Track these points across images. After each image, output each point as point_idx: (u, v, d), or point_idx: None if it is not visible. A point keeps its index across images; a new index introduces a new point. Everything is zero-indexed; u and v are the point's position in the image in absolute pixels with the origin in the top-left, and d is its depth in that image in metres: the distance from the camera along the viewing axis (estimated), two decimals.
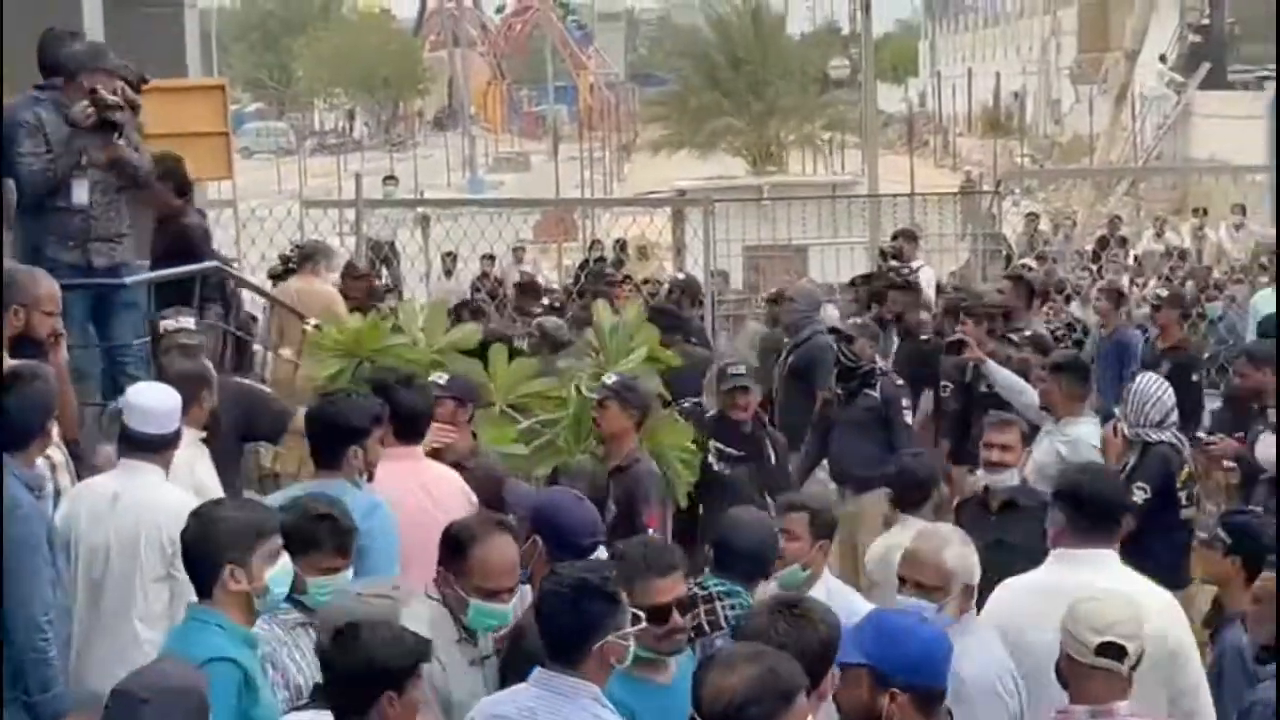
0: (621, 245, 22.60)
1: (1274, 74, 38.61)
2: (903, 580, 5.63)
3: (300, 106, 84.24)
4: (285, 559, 5.19)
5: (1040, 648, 5.38)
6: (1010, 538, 7.62)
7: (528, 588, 5.58)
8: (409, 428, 7.05)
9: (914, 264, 14.96)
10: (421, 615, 5.40)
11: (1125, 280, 18.84)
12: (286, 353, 10.99)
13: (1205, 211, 26.76)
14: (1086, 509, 5.97)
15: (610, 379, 8.42)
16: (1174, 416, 8.82)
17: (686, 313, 13.40)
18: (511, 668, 5.37)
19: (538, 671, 4.89)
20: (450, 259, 22.08)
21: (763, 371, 11.76)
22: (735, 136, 48.43)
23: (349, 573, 5.57)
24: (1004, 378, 10.49)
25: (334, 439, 6.48)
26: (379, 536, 6.20)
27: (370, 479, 6.56)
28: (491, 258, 21.65)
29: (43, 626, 5.68)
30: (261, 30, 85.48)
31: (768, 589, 5.94)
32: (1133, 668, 5.07)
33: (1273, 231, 25.42)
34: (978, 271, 17.24)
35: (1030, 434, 9.15)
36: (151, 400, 6.42)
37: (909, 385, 10.94)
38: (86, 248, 8.81)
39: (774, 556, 6.09)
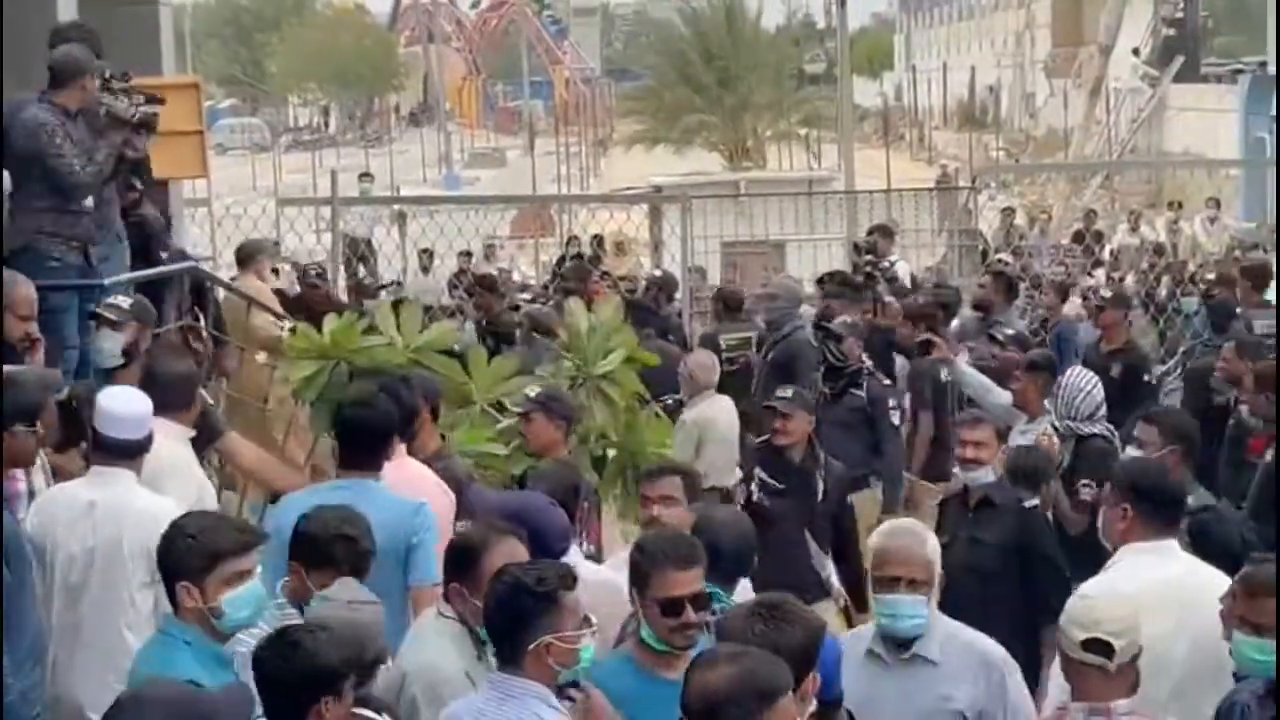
0: (598, 241, 22.56)
1: (1247, 68, 38.76)
2: (891, 580, 5.54)
3: (274, 103, 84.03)
4: (252, 585, 5.08)
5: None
6: (987, 535, 7.67)
7: None
8: (404, 427, 7.09)
9: (890, 259, 14.96)
10: (444, 633, 5.36)
11: (1102, 275, 18.85)
12: (261, 356, 10.94)
13: (1180, 205, 26.82)
14: (1155, 501, 5.86)
15: (533, 391, 8.20)
16: (1103, 410, 9.03)
17: (663, 309, 13.43)
18: None
19: (491, 674, 4.94)
20: (427, 256, 22.04)
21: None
22: (711, 132, 48.44)
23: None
24: (971, 378, 10.48)
25: (368, 441, 6.52)
26: (426, 533, 6.26)
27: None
28: (469, 254, 21.62)
29: None
30: (235, 26, 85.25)
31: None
32: (1126, 664, 5.00)
33: (1246, 225, 25.57)
34: (954, 266, 17.28)
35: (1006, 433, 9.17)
36: (123, 405, 6.36)
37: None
38: (88, 250, 8.75)
39: (754, 555, 6.01)
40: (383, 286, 18.59)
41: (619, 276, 16.60)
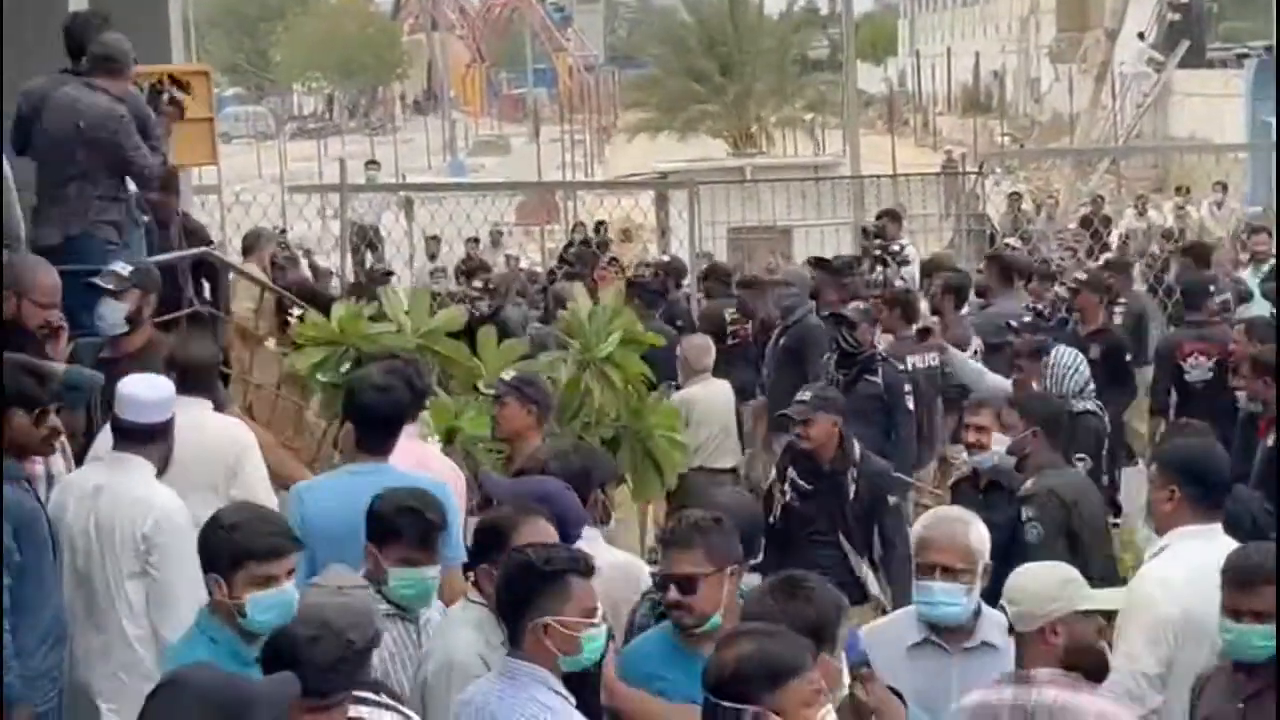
0: (602, 227, 22.60)
1: (1252, 52, 38.70)
2: (929, 567, 5.59)
3: (279, 91, 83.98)
4: (280, 591, 5.03)
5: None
6: (995, 517, 7.65)
7: None
8: (414, 408, 7.16)
9: (900, 243, 14.97)
10: (467, 619, 5.35)
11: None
12: (271, 343, 10.98)
13: (1188, 190, 26.81)
14: (1204, 483, 5.83)
15: (508, 375, 8.01)
16: (1091, 386, 9.30)
17: (672, 294, 13.46)
18: None
19: (504, 657, 4.93)
20: (434, 243, 22.06)
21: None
22: (715, 119, 48.36)
23: (434, 569, 5.55)
24: (963, 364, 10.48)
25: (384, 425, 6.56)
26: (452, 514, 6.24)
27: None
28: (476, 241, 21.64)
29: None
30: (239, 15, 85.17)
31: None
32: (1040, 634, 5.04)
33: (1253, 209, 25.54)
34: (961, 251, 17.27)
35: None
36: (141, 390, 6.35)
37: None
38: (122, 233, 8.80)
39: (759, 539, 6.00)
40: (388, 273, 18.59)
41: (637, 264, 16.55)
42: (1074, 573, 5.25)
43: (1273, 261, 14.49)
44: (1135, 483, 10.03)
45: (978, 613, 5.64)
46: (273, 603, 5.00)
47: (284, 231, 13.28)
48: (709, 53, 48.85)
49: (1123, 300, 13.02)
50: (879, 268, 13.60)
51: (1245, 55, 39.53)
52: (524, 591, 4.82)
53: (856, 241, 17.15)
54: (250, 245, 12.77)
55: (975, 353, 11.20)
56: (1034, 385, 9.58)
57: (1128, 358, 11.48)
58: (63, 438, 6.41)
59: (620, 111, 62.16)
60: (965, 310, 12.12)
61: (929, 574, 5.57)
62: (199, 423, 6.88)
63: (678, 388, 11.09)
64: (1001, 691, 5.03)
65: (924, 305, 12.78)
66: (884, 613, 8.41)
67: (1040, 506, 7.57)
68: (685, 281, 14.84)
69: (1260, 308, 12.69)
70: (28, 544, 5.79)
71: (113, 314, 7.55)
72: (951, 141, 48.65)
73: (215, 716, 3.97)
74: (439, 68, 67.35)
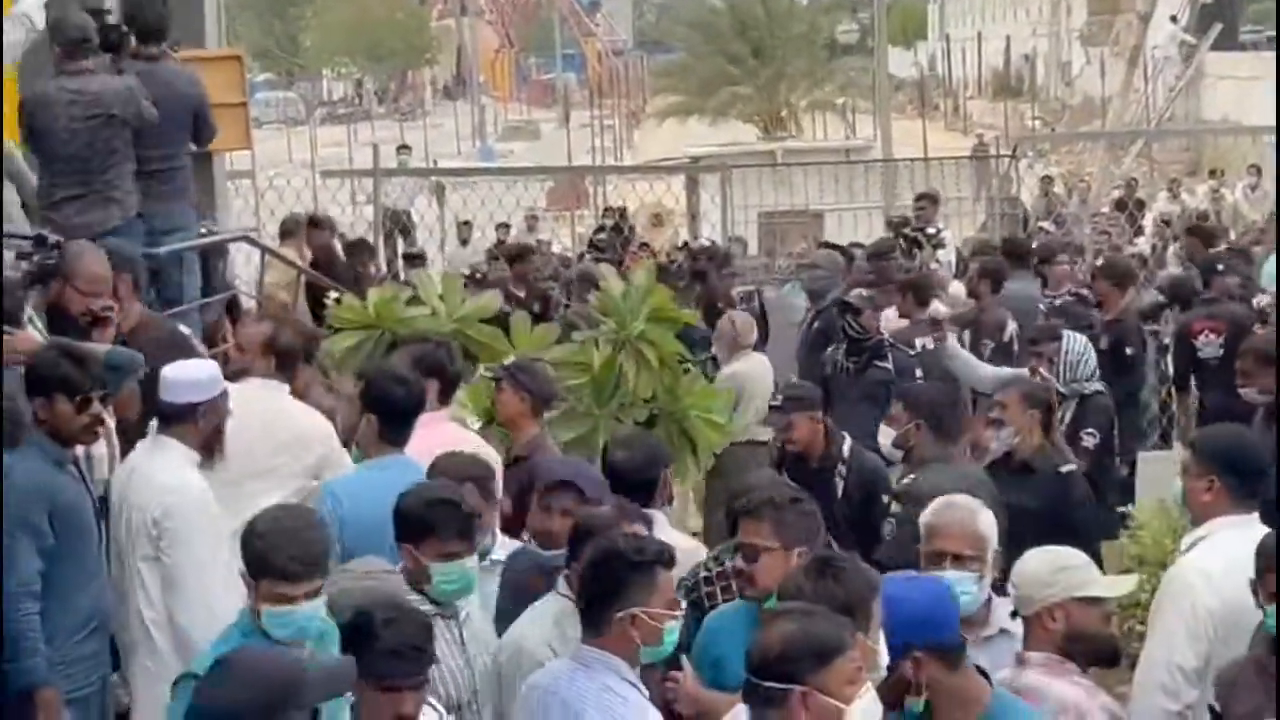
0: (622, 213, 22.58)
1: None
2: (938, 555, 5.58)
3: (309, 76, 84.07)
4: (293, 610, 4.95)
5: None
6: (1024, 499, 7.62)
7: None
8: (448, 391, 7.14)
9: (935, 226, 14.94)
10: (549, 610, 5.35)
11: (1144, 243, 18.80)
12: None
13: (1222, 173, 26.67)
14: (1243, 473, 5.75)
15: (509, 360, 8.04)
16: (1098, 371, 9.60)
17: (711, 278, 13.43)
18: None
19: (578, 644, 4.94)
20: (466, 228, 22.08)
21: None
22: (744, 103, 48.29)
23: (474, 560, 5.47)
24: (957, 356, 10.38)
25: (406, 417, 6.58)
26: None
27: None
28: (507, 226, 21.65)
29: (17, 598, 5.63)
30: (269, 0, 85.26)
31: None
32: (1040, 617, 5.08)
33: None
34: (994, 235, 17.22)
35: None
36: (173, 371, 6.38)
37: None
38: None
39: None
40: (418, 256, 18.62)
41: (676, 247, 16.55)
42: (1076, 559, 5.25)
43: None
44: (1154, 469, 9.97)
45: (989, 601, 5.63)
46: (284, 622, 4.95)
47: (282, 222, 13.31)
48: (739, 36, 48.78)
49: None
50: (915, 250, 13.57)
51: (1277, 37, 39.28)
52: (614, 581, 4.83)
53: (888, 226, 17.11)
54: (289, 230, 12.81)
55: (1010, 336, 11.18)
56: (1044, 371, 9.59)
57: (1129, 350, 11.42)
58: (109, 421, 6.43)
59: (649, 96, 62.10)
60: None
61: (938, 562, 5.54)
62: (286, 410, 6.97)
63: (712, 359, 11.09)
64: (1001, 674, 5.03)
65: (958, 287, 12.77)
66: None
67: (910, 503, 7.33)
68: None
69: None
70: (66, 529, 5.80)
71: None
72: (982, 125, 48.45)
73: (266, 693, 4.00)
74: (468, 53, 67.29)
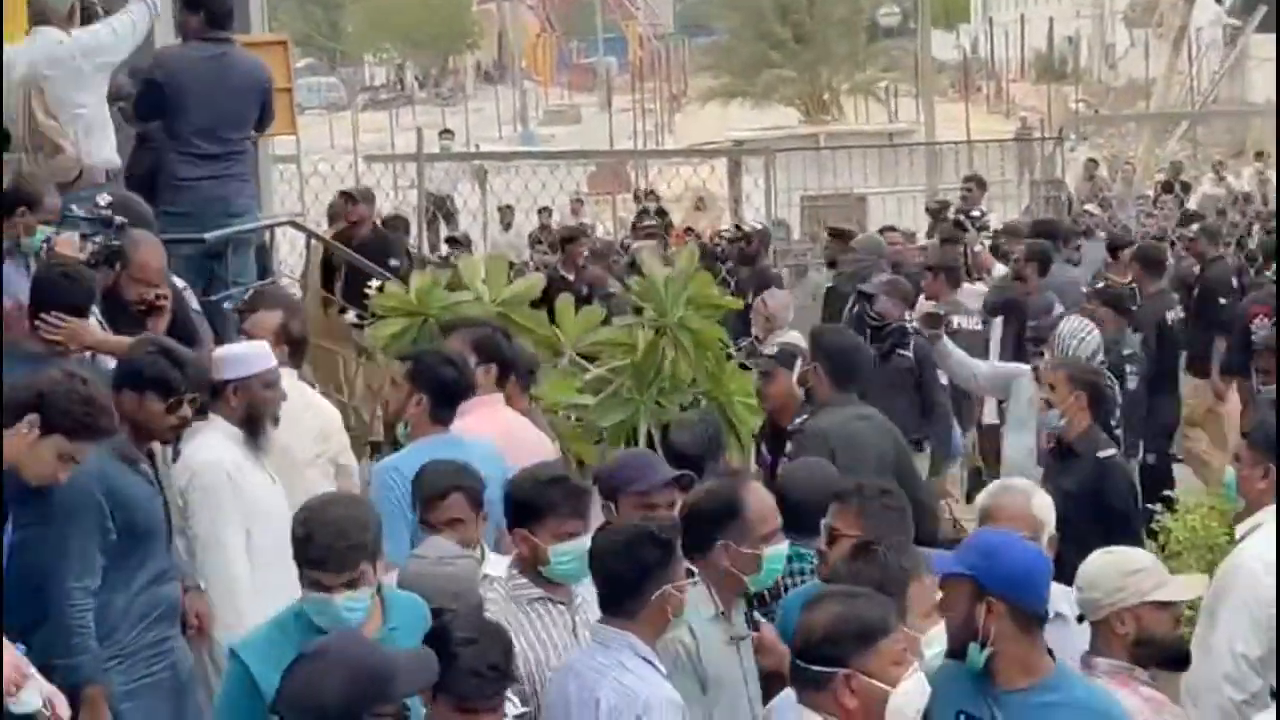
0: (647, 195, 22.60)
1: None
2: None
3: (350, 62, 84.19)
4: (329, 599, 4.91)
5: None
6: (1067, 483, 7.54)
7: None
8: (506, 375, 7.21)
9: (979, 209, 14.91)
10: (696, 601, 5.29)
11: (1195, 227, 18.67)
12: (350, 315, 11.08)
13: (1267, 155, 26.52)
14: None
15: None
16: (1100, 355, 9.16)
17: (761, 260, 13.41)
18: None
19: (593, 624, 5.01)
20: (509, 212, 22.11)
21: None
22: (786, 86, 48.21)
23: (588, 538, 5.34)
24: (951, 352, 9.97)
25: (456, 398, 6.64)
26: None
27: None
28: (549, 210, 21.66)
29: (72, 594, 5.61)
30: None
31: None
32: (1105, 621, 5.04)
33: None
34: (1039, 218, 17.16)
35: None
36: (218, 350, 6.50)
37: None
38: None
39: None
40: (461, 240, 18.66)
41: (716, 230, 16.53)
42: (1144, 560, 5.22)
43: None
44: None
45: None
46: (321, 610, 4.93)
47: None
48: (781, 19, 48.67)
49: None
50: (960, 233, 13.52)
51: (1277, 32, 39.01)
52: (644, 562, 4.85)
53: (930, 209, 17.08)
54: (336, 214, 12.84)
55: (1059, 317, 11.11)
56: (1047, 355, 9.48)
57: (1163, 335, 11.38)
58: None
59: (690, 79, 62.02)
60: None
61: None
62: (312, 398, 7.11)
63: (754, 340, 11.09)
64: None
65: (1001, 269, 12.75)
66: None
67: (799, 445, 7.43)
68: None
69: None
70: (130, 526, 5.75)
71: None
72: (1025, 108, 48.26)
73: (358, 683, 4.04)
74: (509, 37, 67.36)
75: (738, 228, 13.46)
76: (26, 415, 5.24)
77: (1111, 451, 7.96)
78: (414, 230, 16.71)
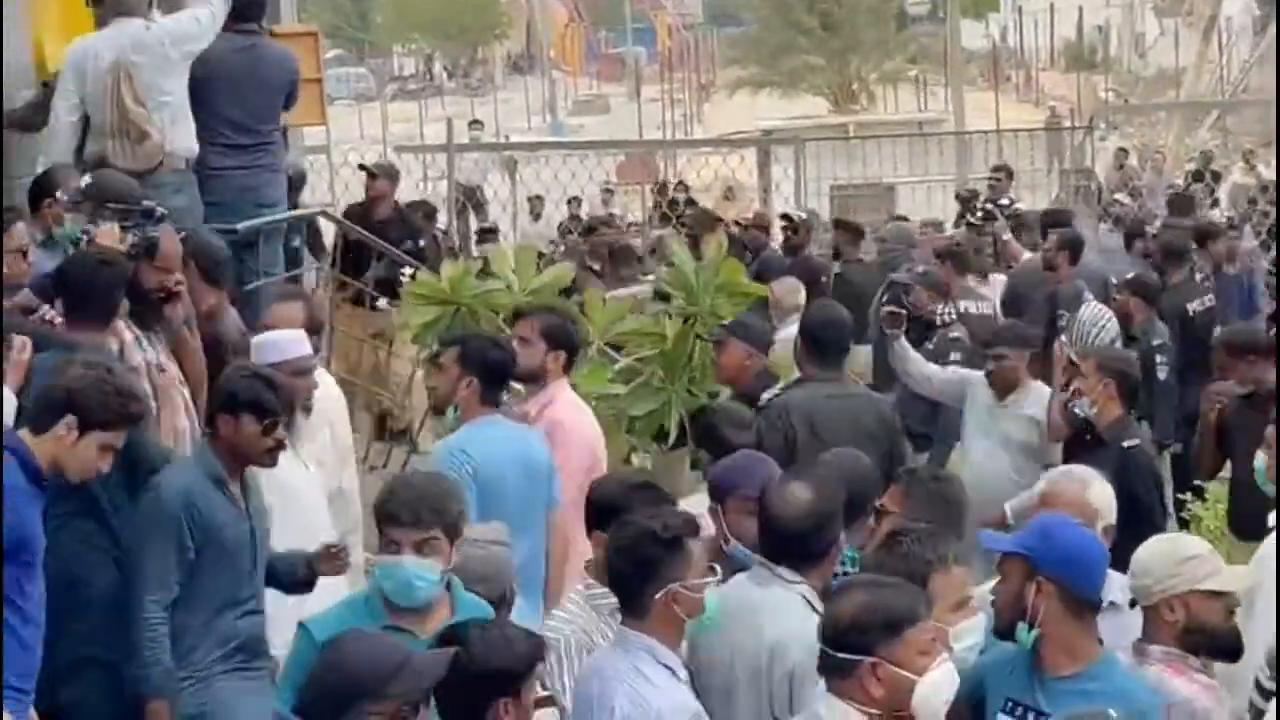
0: (663, 186, 22.57)
1: None
2: None
3: (379, 53, 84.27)
4: (399, 561, 4.99)
5: None
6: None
7: None
8: (572, 362, 7.40)
9: (1008, 198, 14.89)
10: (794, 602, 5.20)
11: (1217, 216, 18.65)
12: (382, 303, 11.13)
13: None
14: None
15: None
16: (1119, 344, 9.20)
17: (805, 250, 13.33)
18: None
19: (618, 626, 4.94)
20: (538, 202, 22.13)
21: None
22: (815, 75, 48.16)
23: None
24: (906, 355, 9.63)
25: (504, 381, 6.83)
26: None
27: None
28: (578, 200, 21.67)
29: (145, 607, 5.64)
30: None
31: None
32: (1159, 608, 5.01)
33: None
34: (1069, 207, 17.13)
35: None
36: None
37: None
38: None
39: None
40: (491, 231, 18.69)
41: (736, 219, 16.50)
42: (1199, 548, 5.21)
43: None
44: None
45: None
46: (391, 573, 4.99)
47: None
48: (809, 9, 48.62)
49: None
50: (988, 223, 13.50)
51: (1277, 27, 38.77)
52: (646, 561, 4.78)
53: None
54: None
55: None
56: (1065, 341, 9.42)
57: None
58: (132, 329, 6.53)
59: (719, 69, 61.97)
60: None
61: None
62: (333, 388, 7.25)
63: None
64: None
65: (1029, 259, 12.71)
66: None
67: (763, 418, 7.38)
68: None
69: None
70: (209, 546, 5.76)
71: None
72: (1055, 97, 48.10)
73: (371, 669, 4.09)
74: (538, 27, 67.35)
75: (785, 217, 13.32)
76: (63, 418, 5.26)
77: (1137, 441, 7.95)
78: (444, 220, 16.76)
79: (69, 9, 9.12)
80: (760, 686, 5.04)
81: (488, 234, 18.14)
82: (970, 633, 4.69)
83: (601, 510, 5.42)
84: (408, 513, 5.00)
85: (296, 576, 6.03)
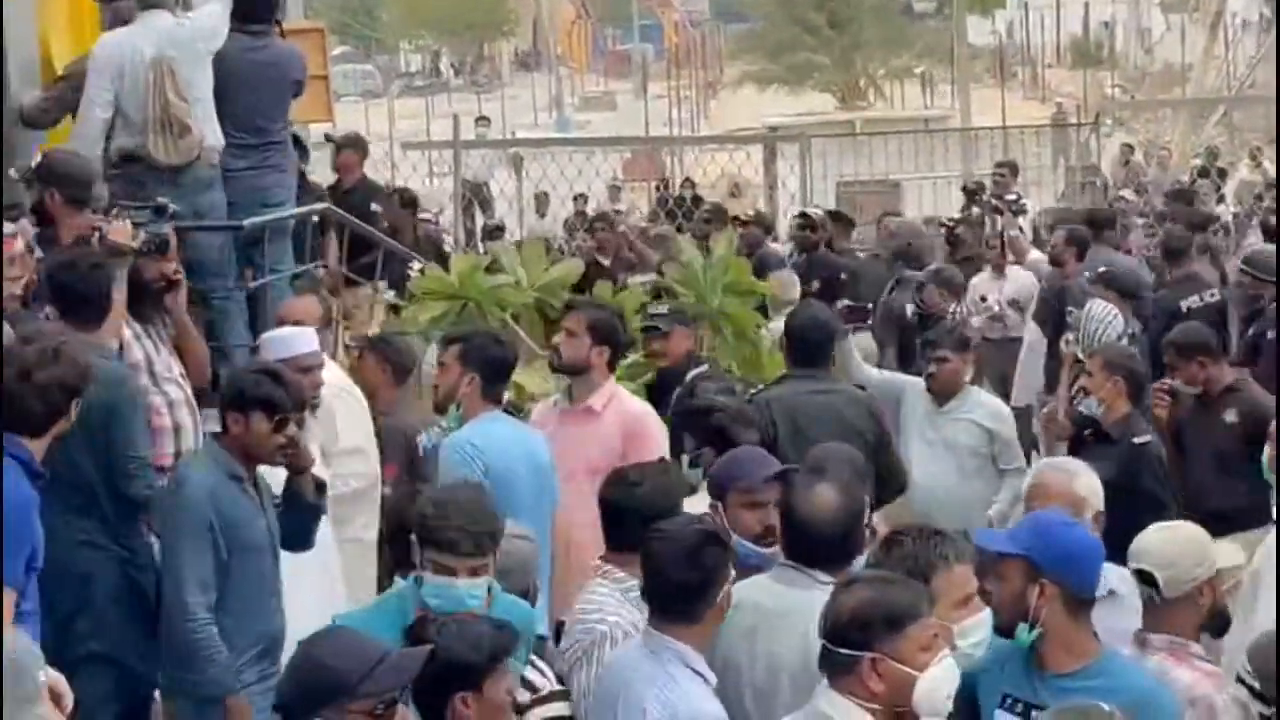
0: (665, 183, 22.59)
1: None
2: None
3: (386, 49, 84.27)
4: (451, 584, 4.95)
5: None
6: (1099, 469, 7.54)
7: None
8: (616, 359, 7.41)
9: (1014, 192, 14.88)
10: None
11: (1225, 211, 18.64)
12: (389, 294, 11.14)
13: None
14: None
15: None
16: (1125, 340, 9.18)
17: (838, 246, 13.28)
18: None
19: (646, 628, 4.88)
20: (544, 199, 22.14)
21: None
22: (822, 72, 48.16)
23: None
24: (849, 355, 9.38)
25: (504, 375, 6.85)
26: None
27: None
28: (585, 197, 21.69)
29: (190, 610, 5.66)
30: None
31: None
32: (1179, 599, 5.01)
33: None
34: (1074, 203, 17.16)
35: None
36: None
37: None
38: None
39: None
40: (498, 228, 18.70)
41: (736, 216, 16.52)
42: (1202, 532, 5.24)
43: None
44: None
45: None
46: (441, 593, 4.96)
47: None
48: (816, 5, 48.62)
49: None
50: (995, 217, 13.50)
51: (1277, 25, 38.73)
52: (710, 565, 4.75)
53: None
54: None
55: None
56: (1072, 339, 9.46)
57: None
58: (133, 326, 6.60)
59: (726, 66, 61.96)
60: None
61: None
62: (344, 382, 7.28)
63: None
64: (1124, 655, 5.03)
65: (1037, 255, 12.73)
66: None
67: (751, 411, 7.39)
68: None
69: None
70: (234, 543, 5.79)
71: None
72: (1061, 94, 48.08)
73: (348, 666, 4.11)
74: (544, 24, 67.35)
75: (803, 214, 13.26)
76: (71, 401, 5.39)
77: (1148, 438, 7.97)
78: (449, 216, 16.80)
79: (75, 6, 9.13)
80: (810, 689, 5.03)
81: (496, 231, 18.15)
82: (976, 629, 4.67)
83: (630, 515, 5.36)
84: (469, 543, 4.93)
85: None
